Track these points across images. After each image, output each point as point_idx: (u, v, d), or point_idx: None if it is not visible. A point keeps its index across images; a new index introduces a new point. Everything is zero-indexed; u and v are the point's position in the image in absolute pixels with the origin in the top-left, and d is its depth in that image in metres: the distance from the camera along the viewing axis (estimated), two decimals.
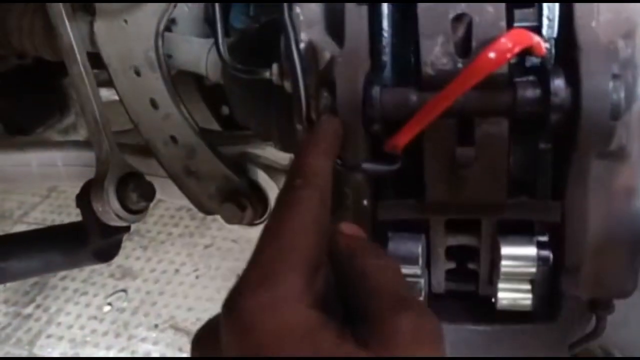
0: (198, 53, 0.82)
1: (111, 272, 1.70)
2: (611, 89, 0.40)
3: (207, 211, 0.85)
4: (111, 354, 1.45)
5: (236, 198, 0.82)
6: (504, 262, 0.45)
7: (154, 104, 0.82)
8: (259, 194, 0.83)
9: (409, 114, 0.43)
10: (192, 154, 0.84)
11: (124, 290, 1.63)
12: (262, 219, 0.85)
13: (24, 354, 1.49)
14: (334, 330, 0.31)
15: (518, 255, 0.45)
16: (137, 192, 0.80)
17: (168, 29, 0.84)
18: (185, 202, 0.87)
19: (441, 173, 0.45)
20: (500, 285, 0.46)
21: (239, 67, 0.60)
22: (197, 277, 1.63)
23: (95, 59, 0.84)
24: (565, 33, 0.43)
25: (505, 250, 0.45)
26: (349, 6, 0.46)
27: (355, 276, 0.35)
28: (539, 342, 0.50)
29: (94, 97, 0.81)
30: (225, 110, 0.96)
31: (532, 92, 0.41)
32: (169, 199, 0.91)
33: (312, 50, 0.49)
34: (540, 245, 0.45)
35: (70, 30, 0.80)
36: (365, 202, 0.47)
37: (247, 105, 0.73)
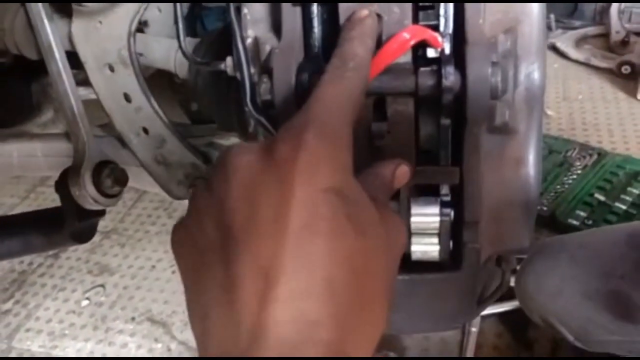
0: (167, 52, 0.92)
1: (89, 269, 1.78)
2: (490, 74, 0.50)
3: (176, 196, 0.95)
4: (89, 346, 1.53)
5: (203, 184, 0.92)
6: (413, 219, 0.55)
7: (127, 97, 0.92)
8: None
9: None
10: (161, 143, 0.93)
11: (102, 286, 1.71)
12: None
13: (3, 347, 1.57)
14: None
15: (424, 212, 0.55)
16: (111, 178, 0.89)
17: (140, 30, 0.94)
18: (156, 188, 0.97)
19: (361, 144, 0.55)
20: (413, 239, 0.57)
21: (199, 61, 0.70)
22: (173, 272, 1.71)
23: (73, 59, 0.93)
24: (457, 30, 0.53)
25: (414, 209, 0.55)
26: (285, 7, 0.56)
27: None
28: (449, 290, 0.60)
29: (72, 92, 0.90)
30: (194, 106, 1.06)
31: (430, 78, 0.52)
32: (141, 186, 1.00)
33: (256, 44, 0.59)
34: (443, 204, 0.55)
35: (49, 30, 0.89)
36: None
37: (210, 98, 0.83)
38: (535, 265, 1.01)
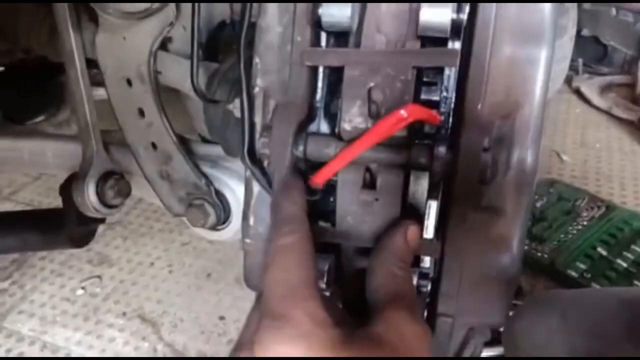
0: (184, 73, 0.95)
1: (89, 258, 1.82)
2: (480, 160, 0.52)
3: (175, 212, 0.98)
4: (77, 336, 1.57)
5: (202, 205, 0.95)
6: None
7: (141, 112, 0.96)
8: (223, 203, 0.96)
9: (328, 159, 0.56)
10: (167, 160, 0.97)
11: (99, 277, 1.75)
12: (224, 225, 0.98)
13: None
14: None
15: None
16: (114, 189, 0.93)
17: (164, 46, 0.97)
18: (157, 202, 1.00)
19: (349, 209, 0.57)
20: None
21: (209, 98, 0.73)
22: (170, 272, 1.75)
23: (94, 63, 0.97)
24: (456, 109, 0.55)
25: None
26: (295, 66, 0.59)
27: None
28: None
29: (87, 100, 0.94)
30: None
31: (422, 154, 0.54)
32: (144, 196, 1.04)
33: (263, 95, 0.62)
34: (421, 276, 0.57)
35: (73, 38, 0.93)
36: None
37: (218, 128, 0.86)
38: (526, 317, 1.02)
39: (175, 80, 0.95)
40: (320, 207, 0.60)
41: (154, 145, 0.96)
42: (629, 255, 1.61)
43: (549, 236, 1.67)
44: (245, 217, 0.65)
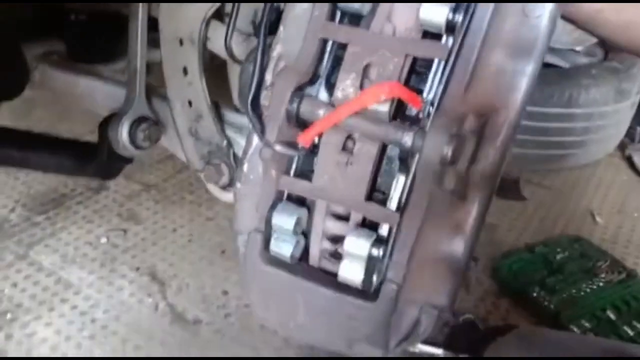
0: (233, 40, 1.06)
1: (120, 212, 1.95)
2: (444, 143, 0.59)
3: (195, 167, 1.08)
4: (90, 279, 1.69)
5: (219, 164, 1.04)
6: (346, 242, 0.64)
7: (185, 71, 1.07)
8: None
9: (317, 119, 0.64)
10: (199, 118, 1.07)
11: (124, 231, 1.88)
12: None
13: (21, 252, 1.75)
14: None
15: (357, 241, 0.64)
16: (145, 133, 1.04)
17: (220, 16, 1.09)
18: (181, 155, 1.11)
19: (326, 168, 0.65)
20: (343, 262, 0.66)
21: (235, 58, 0.83)
22: (189, 241, 1.85)
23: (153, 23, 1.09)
24: (439, 99, 0.63)
25: (351, 234, 0.65)
26: (308, 36, 0.68)
27: None
28: (364, 317, 0.68)
29: (141, 51, 1.06)
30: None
31: (397, 133, 0.62)
32: (171, 148, 1.14)
33: (277, 58, 0.71)
34: (377, 240, 0.64)
35: None
36: (273, 172, 0.68)
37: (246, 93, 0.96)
38: (511, 345, 1.08)
39: (218, 47, 1.06)
40: (303, 166, 0.68)
41: (189, 103, 1.07)
42: (638, 325, 1.59)
43: (561, 288, 1.67)
44: (240, 164, 0.74)
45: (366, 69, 0.64)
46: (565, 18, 0.68)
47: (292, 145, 0.66)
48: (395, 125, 0.62)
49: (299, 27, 0.71)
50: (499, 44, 0.63)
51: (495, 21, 0.63)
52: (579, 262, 1.77)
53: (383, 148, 0.64)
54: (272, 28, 0.85)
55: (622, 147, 2.37)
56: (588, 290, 1.68)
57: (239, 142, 1.06)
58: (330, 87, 0.68)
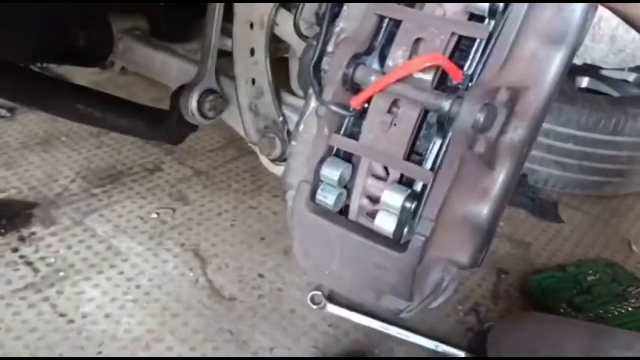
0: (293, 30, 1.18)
1: (171, 193, 2.09)
2: (477, 110, 0.68)
3: (251, 140, 1.20)
4: (139, 249, 1.82)
5: (273, 138, 1.16)
6: (383, 196, 0.74)
7: (252, 52, 1.19)
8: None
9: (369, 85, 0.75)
10: (260, 96, 1.19)
11: (174, 210, 2.01)
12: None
13: (77, 219, 1.91)
14: None
15: (393, 194, 0.73)
16: (212, 104, 1.16)
17: (288, 6, 1.21)
18: (239, 129, 1.22)
19: (372, 127, 0.75)
20: (379, 214, 0.75)
21: (301, 34, 0.94)
22: (232, 225, 1.97)
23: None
24: (478, 74, 0.72)
25: (388, 189, 0.74)
26: (368, 12, 0.78)
27: None
28: (392, 267, 0.77)
29: (215, 34, 1.19)
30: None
31: (438, 98, 0.71)
32: (230, 122, 1.26)
33: (340, 32, 0.82)
34: (410, 195, 0.73)
35: None
36: (326, 130, 0.78)
37: (303, 73, 1.07)
38: (510, 328, 1.16)
39: (287, 34, 1.18)
40: (353, 128, 0.79)
41: (253, 81, 1.19)
42: None
43: (589, 309, 1.71)
44: (297, 125, 0.84)
45: (416, 43, 0.74)
46: (622, 17, 0.77)
47: (345, 106, 0.77)
48: (436, 94, 0.71)
49: (361, 8, 0.82)
50: (534, 32, 0.73)
51: (533, 11, 0.72)
52: (609, 286, 1.81)
53: (425, 114, 0.74)
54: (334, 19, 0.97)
55: None
56: (616, 313, 1.71)
57: (294, 120, 1.17)
58: (383, 59, 0.78)
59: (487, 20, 0.72)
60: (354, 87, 0.76)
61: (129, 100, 1.28)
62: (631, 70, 2.02)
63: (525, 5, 0.71)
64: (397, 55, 0.74)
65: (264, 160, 1.20)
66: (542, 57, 0.73)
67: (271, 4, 1.15)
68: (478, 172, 0.74)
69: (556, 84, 0.73)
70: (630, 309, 1.74)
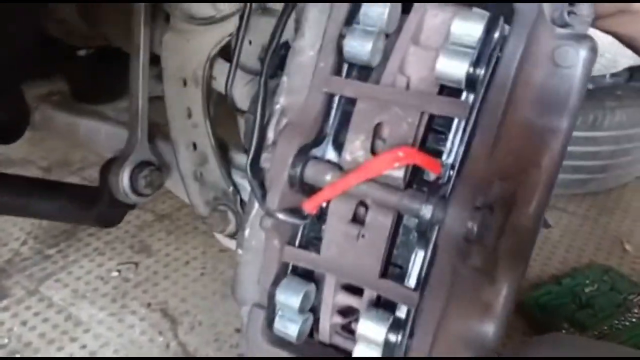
0: (236, 83, 0.99)
1: (132, 244, 1.89)
2: (467, 217, 0.51)
3: (200, 213, 1.01)
4: (101, 315, 1.62)
5: (225, 211, 0.97)
6: (359, 327, 0.56)
7: (189, 112, 1.00)
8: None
9: (324, 185, 0.57)
10: (204, 162, 1.00)
11: (136, 264, 1.81)
12: None
13: (31, 287, 1.70)
14: None
15: (372, 326, 0.56)
16: (146, 180, 0.97)
17: (227, 55, 1.02)
18: (186, 198, 1.04)
19: (335, 239, 0.57)
20: (357, 346, 0.58)
21: (237, 107, 0.75)
22: (202, 274, 1.78)
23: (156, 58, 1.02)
24: (460, 165, 0.54)
25: (364, 317, 0.56)
26: (313, 90, 0.60)
27: None
28: None
29: (142, 92, 1.00)
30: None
31: (414, 201, 0.53)
32: (176, 192, 1.08)
33: (280, 112, 0.63)
34: (394, 323, 0.56)
35: (143, 33, 0.99)
36: (276, 242, 0.60)
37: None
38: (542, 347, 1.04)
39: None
40: (310, 234, 0.61)
41: (194, 146, 1.00)
42: None
43: (592, 325, 1.57)
44: (242, 229, 0.66)
45: (377, 128, 0.56)
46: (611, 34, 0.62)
47: (297, 212, 0.59)
48: (411, 194, 0.54)
49: (304, 77, 0.63)
50: (527, 99, 0.55)
51: (522, 73, 0.54)
52: (609, 295, 1.67)
53: (399, 217, 0.56)
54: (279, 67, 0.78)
55: None
56: (620, 327, 1.58)
57: (247, 187, 0.98)
58: (338, 146, 0.60)
59: (464, 93, 0.55)
60: (304, 188, 0.58)
61: (53, 181, 1.08)
62: (613, 76, 1.88)
63: (513, 67, 0.53)
64: (355, 147, 0.56)
65: (219, 237, 1.01)
66: (541, 127, 0.55)
67: (205, 55, 0.96)
68: (476, 284, 0.56)
69: (561, 160, 0.56)
70: (634, 320, 1.60)
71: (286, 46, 0.66)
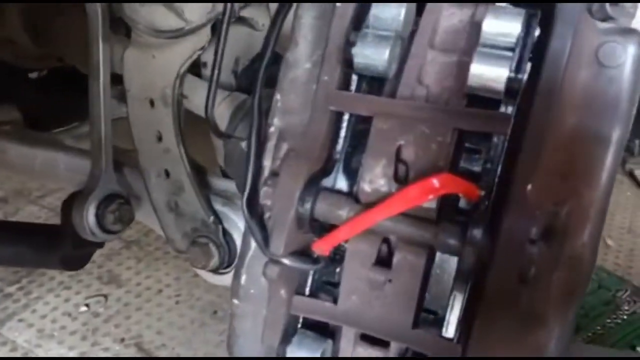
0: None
1: (100, 275, 1.74)
2: (525, 253, 0.41)
3: (176, 247, 0.89)
4: (70, 355, 1.48)
5: (206, 244, 0.85)
6: None
7: (159, 136, 0.88)
8: (230, 246, 0.86)
9: (339, 222, 0.46)
10: (179, 191, 0.88)
11: (105, 296, 1.67)
12: (228, 269, 0.88)
13: None
14: None
15: None
16: (115, 215, 0.84)
17: (197, 71, 0.90)
18: (159, 230, 0.91)
19: (355, 286, 0.47)
20: None
21: (221, 133, 0.64)
22: (177, 302, 1.65)
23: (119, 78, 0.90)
24: (500, 186, 0.45)
25: None
26: (317, 109, 0.49)
27: None
28: None
29: (105, 117, 0.87)
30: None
31: (453, 234, 0.44)
32: (150, 224, 0.95)
33: (277, 135, 0.52)
34: None
35: (101, 49, 0.86)
36: (283, 292, 0.50)
37: (235, 161, 0.77)
38: None
39: (201, 107, 0.87)
40: (323, 278, 0.50)
41: (167, 173, 0.88)
42: None
43: (585, 326, 1.51)
44: (237, 275, 0.55)
45: (400, 150, 0.46)
46: None
47: (306, 256, 0.48)
48: (448, 229, 0.44)
49: (301, 94, 0.53)
50: (573, 106, 0.46)
51: (567, 77, 0.45)
52: (597, 294, 1.62)
53: (431, 254, 0.46)
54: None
55: (622, 162, 2.23)
56: (613, 325, 1.53)
57: (229, 215, 0.87)
58: (351, 173, 0.49)
59: (502, 105, 0.45)
60: (314, 226, 0.48)
61: (11, 222, 0.94)
62: None
63: (560, 72, 0.44)
64: (375, 174, 0.45)
65: (202, 273, 0.90)
66: (589, 135, 0.46)
67: (173, 72, 0.84)
68: (526, 325, 0.47)
69: (614, 174, 0.47)
70: (625, 317, 1.55)
71: (276, 57, 0.56)
